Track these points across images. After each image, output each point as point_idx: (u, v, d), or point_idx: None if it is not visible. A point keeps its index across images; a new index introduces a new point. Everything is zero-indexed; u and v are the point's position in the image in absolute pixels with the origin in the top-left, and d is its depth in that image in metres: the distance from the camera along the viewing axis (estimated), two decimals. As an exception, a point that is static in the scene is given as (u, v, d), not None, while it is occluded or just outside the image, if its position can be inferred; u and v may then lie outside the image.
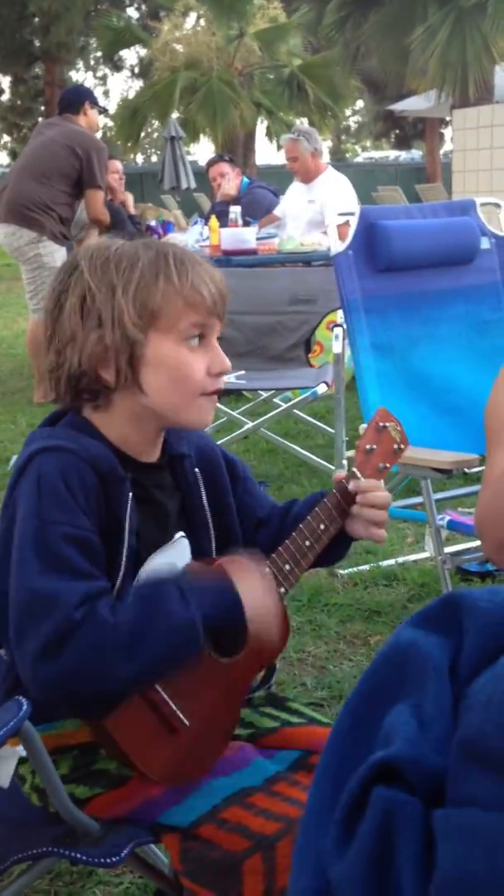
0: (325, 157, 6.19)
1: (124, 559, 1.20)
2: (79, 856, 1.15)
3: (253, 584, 1.19)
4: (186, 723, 1.17)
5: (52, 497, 1.14)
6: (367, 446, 1.37)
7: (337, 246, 2.93)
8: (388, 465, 1.38)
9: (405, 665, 0.68)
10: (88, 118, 5.75)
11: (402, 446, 1.41)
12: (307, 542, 1.29)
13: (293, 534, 1.29)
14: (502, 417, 1.63)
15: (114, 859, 1.14)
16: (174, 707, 1.17)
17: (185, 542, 1.31)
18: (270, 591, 1.22)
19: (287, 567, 1.28)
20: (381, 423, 1.39)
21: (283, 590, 1.28)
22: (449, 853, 0.57)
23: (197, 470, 1.33)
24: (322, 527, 1.30)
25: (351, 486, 1.32)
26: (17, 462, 1.21)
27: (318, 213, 5.78)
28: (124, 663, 1.09)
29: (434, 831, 0.58)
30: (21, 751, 1.11)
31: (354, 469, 1.35)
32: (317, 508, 1.31)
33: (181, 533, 1.30)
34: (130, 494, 1.21)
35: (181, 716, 1.17)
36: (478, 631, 0.67)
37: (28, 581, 1.11)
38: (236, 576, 1.19)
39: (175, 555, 1.28)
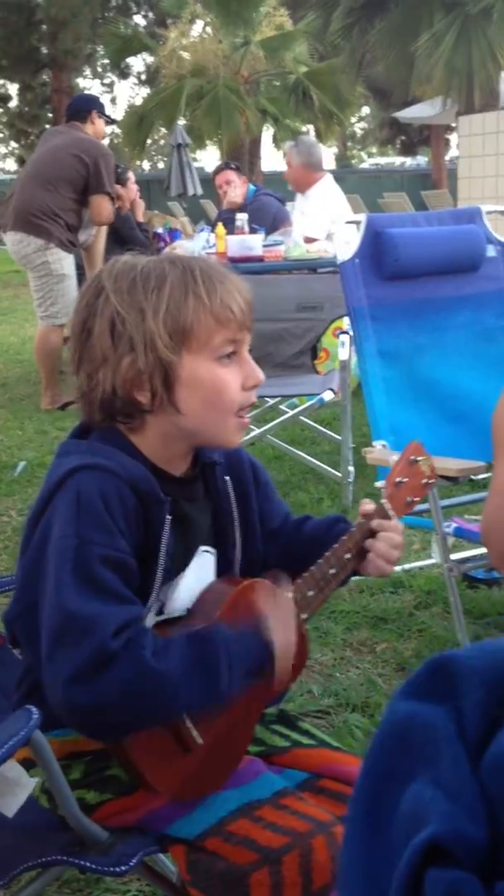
0: (331, 165, 6.26)
1: (158, 581, 1.19)
2: (88, 864, 1.16)
3: (282, 625, 1.19)
4: (200, 741, 1.17)
5: (91, 517, 1.12)
6: (398, 479, 1.38)
7: (343, 254, 2.94)
8: (415, 499, 1.39)
9: (409, 740, 0.65)
10: (95, 127, 5.77)
11: (430, 480, 1.42)
12: (332, 571, 1.30)
13: (320, 561, 1.29)
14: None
15: (122, 868, 1.14)
16: (189, 724, 1.17)
17: (209, 557, 1.30)
18: (293, 627, 1.21)
19: (311, 593, 1.28)
20: (413, 457, 1.40)
21: (304, 615, 1.28)
22: None
23: (227, 478, 1.32)
24: (348, 556, 1.31)
25: (374, 523, 1.32)
26: (51, 475, 1.19)
27: (307, 226, 5.85)
28: (155, 709, 1.09)
29: None
30: (35, 780, 1.12)
31: (384, 501, 1.35)
32: (345, 537, 1.31)
33: (204, 547, 1.29)
34: (169, 517, 1.20)
35: (195, 733, 1.17)
36: (476, 690, 0.65)
37: (64, 601, 1.09)
38: (268, 616, 1.19)
39: (201, 573, 1.28)
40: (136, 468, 1.18)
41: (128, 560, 1.14)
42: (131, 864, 1.14)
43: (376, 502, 1.35)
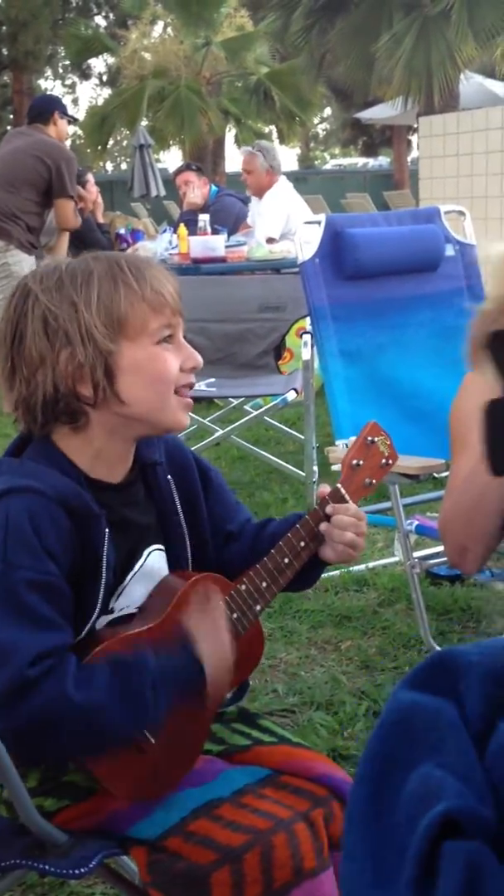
0: (293, 166, 6.30)
1: (101, 595, 1.19)
2: (47, 867, 1.15)
3: (214, 641, 1.19)
4: (152, 740, 1.17)
5: (18, 541, 1.12)
6: (354, 461, 1.34)
7: (304, 254, 2.95)
8: (374, 480, 1.35)
9: (412, 727, 0.67)
10: (58, 128, 5.73)
11: (390, 461, 1.37)
12: (286, 560, 1.28)
13: (272, 550, 1.28)
14: (466, 424, 1.65)
15: (82, 870, 1.14)
16: None
17: (159, 554, 1.29)
18: (224, 637, 1.21)
19: (264, 584, 1.27)
20: (369, 438, 1.36)
21: (258, 607, 1.28)
22: None
23: (169, 477, 1.32)
24: (302, 544, 1.29)
25: (328, 508, 1.30)
26: None
27: (263, 226, 5.86)
28: (79, 739, 1.10)
29: None
30: None
31: (339, 485, 1.32)
32: (298, 525, 1.29)
33: (155, 546, 1.29)
34: (107, 530, 1.19)
35: (147, 733, 1.16)
36: (478, 683, 0.67)
37: None
38: (196, 630, 1.18)
39: (152, 571, 1.27)
40: (67, 486, 1.17)
41: (56, 582, 1.13)
42: (91, 866, 1.14)
43: (332, 486, 1.34)
